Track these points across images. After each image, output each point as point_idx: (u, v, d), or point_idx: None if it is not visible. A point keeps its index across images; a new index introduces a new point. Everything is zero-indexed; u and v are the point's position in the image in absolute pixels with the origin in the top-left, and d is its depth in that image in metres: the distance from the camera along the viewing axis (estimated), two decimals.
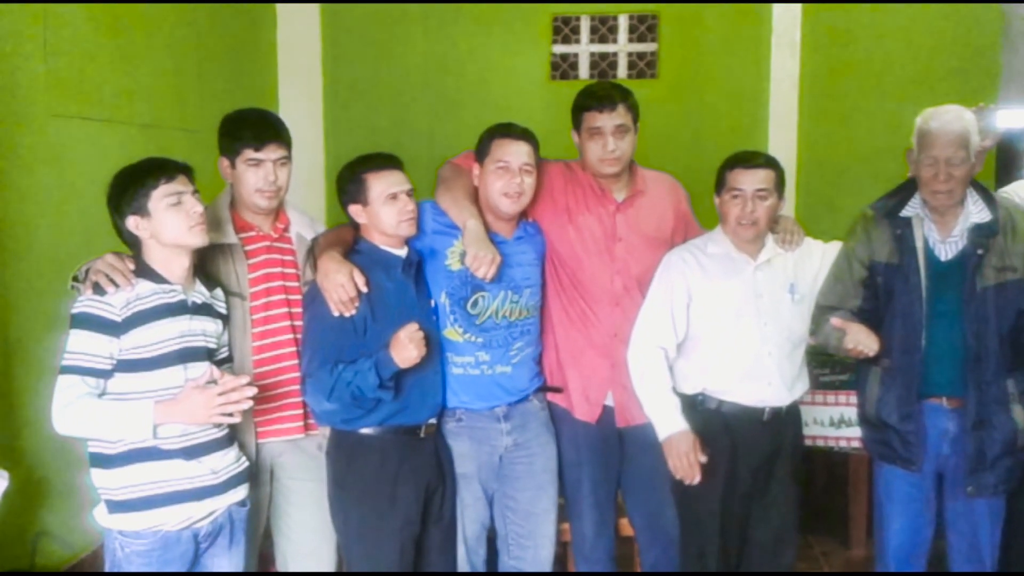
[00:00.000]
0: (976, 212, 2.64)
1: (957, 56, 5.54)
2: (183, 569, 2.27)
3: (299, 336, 2.60)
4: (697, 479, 2.64)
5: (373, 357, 2.43)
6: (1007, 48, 5.46)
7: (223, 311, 2.46)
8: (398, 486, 2.56)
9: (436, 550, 2.68)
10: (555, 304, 2.84)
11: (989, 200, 2.66)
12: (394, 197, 2.55)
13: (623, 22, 5.94)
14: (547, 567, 2.81)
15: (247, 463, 2.42)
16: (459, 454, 2.70)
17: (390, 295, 2.55)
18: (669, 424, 2.69)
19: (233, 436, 2.40)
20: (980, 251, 2.60)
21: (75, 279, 2.30)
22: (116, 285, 2.19)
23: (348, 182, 2.59)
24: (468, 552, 2.73)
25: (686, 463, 2.63)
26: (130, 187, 2.23)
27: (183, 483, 2.23)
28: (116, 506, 2.21)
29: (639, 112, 2.81)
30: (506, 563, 2.81)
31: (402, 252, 2.62)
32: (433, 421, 2.65)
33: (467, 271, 2.61)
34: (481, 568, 2.78)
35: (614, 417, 2.83)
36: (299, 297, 2.62)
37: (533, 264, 2.79)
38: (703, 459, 2.64)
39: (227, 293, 2.50)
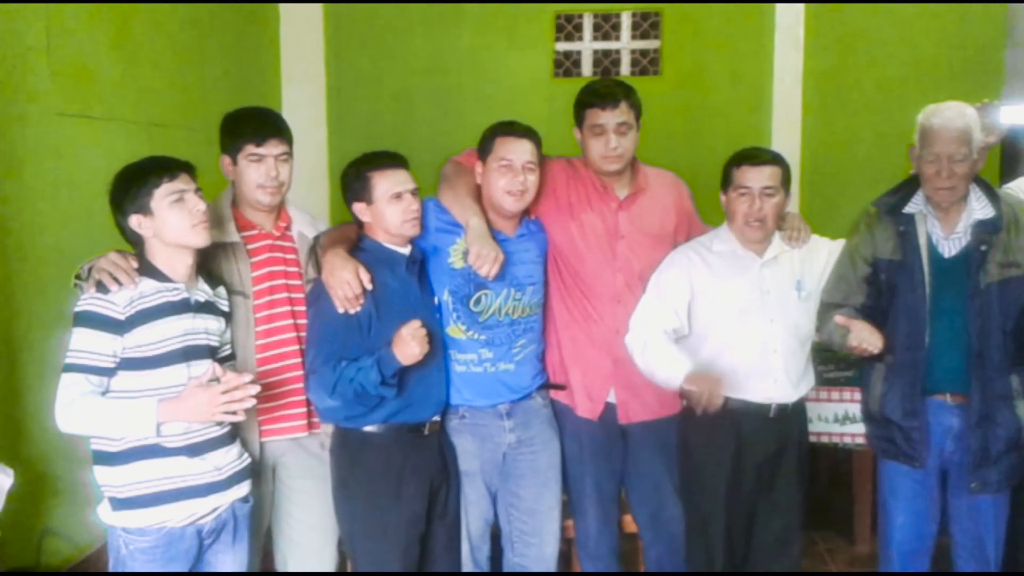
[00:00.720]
0: (979, 208, 2.63)
1: (961, 53, 5.54)
2: (187, 566, 2.27)
3: (302, 335, 2.60)
4: (720, 401, 2.53)
5: (376, 354, 2.43)
6: (1011, 45, 5.45)
7: (226, 309, 2.45)
8: (403, 484, 2.56)
9: (440, 547, 2.68)
10: (557, 301, 2.83)
11: (992, 196, 2.65)
12: (399, 196, 2.54)
13: (626, 19, 5.94)
14: (551, 564, 2.81)
15: (249, 459, 2.43)
16: (462, 451, 2.69)
17: (394, 293, 2.55)
18: (680, 369, 2.60)
19: (235, 433, 2.40)
20: (983, 247, 2.59)
21: (78, 277, 2.29)
22: (119, 283, 2.19)
23: (353, 180, 2.59)
24: (472, 549, 2.73)
25: (706, 392, 2.52)
26: (132, 186, 2.23)
27: (186, 480, 2.23)
28: (120, 503, 2.22)
29: (642, 109, 2.81)
30: (510, 560, 2.81)
31: (406, 250, 2.62)
32: (437, 419, 2.65)
33: (470, 269, 2.61)
34: (485, 565, 2.78)
35: (616, 414, 2.83)
36: (302, 295, 2.62)
37: (536, 262, 2.79)
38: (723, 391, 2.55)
39: (230, 291, 2.50)
